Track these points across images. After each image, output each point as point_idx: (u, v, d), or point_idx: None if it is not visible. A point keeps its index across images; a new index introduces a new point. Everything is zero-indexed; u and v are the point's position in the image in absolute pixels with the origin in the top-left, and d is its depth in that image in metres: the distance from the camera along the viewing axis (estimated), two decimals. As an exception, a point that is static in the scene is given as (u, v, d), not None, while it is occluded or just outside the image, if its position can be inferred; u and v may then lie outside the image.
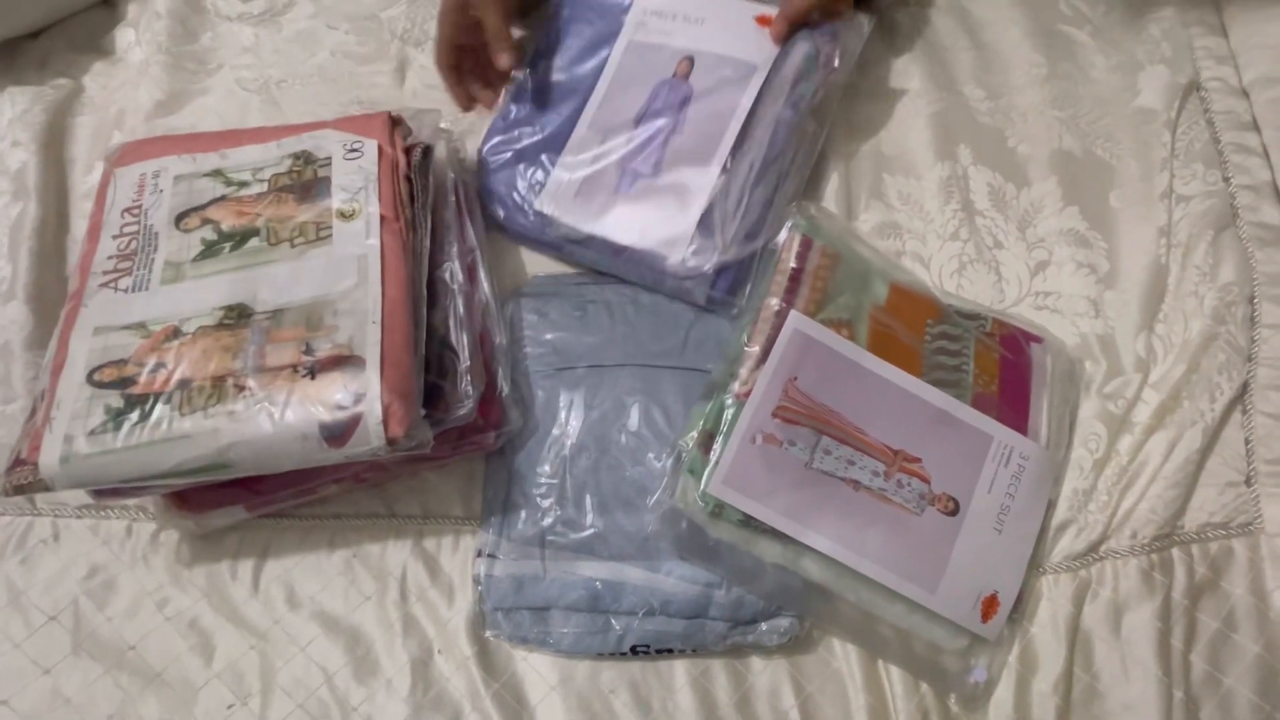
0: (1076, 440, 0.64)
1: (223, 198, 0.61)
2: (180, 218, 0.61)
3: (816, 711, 0.57)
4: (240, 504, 0.59)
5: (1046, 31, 0.81)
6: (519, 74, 0.74)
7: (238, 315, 0.55)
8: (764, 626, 0.58)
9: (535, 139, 0.72)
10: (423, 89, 0.80)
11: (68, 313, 0.57)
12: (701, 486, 0.57)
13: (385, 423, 0.51)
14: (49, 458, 0.51)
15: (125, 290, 0.57)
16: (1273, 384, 0.65)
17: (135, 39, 0.82)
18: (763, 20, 0.70)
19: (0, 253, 0.69)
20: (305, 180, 0.62)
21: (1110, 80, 0.78)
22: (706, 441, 0.58)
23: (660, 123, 0.69)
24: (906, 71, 0.79)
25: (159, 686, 0.57)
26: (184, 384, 0.53)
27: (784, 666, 0.58)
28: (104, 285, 0.58)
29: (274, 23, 0.83)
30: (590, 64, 0.73)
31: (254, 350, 0.54)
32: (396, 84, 0.80)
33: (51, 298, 0.68)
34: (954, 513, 0.59)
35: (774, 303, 0.61)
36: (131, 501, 0.61)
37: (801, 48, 0.68)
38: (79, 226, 0.72)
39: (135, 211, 0.61)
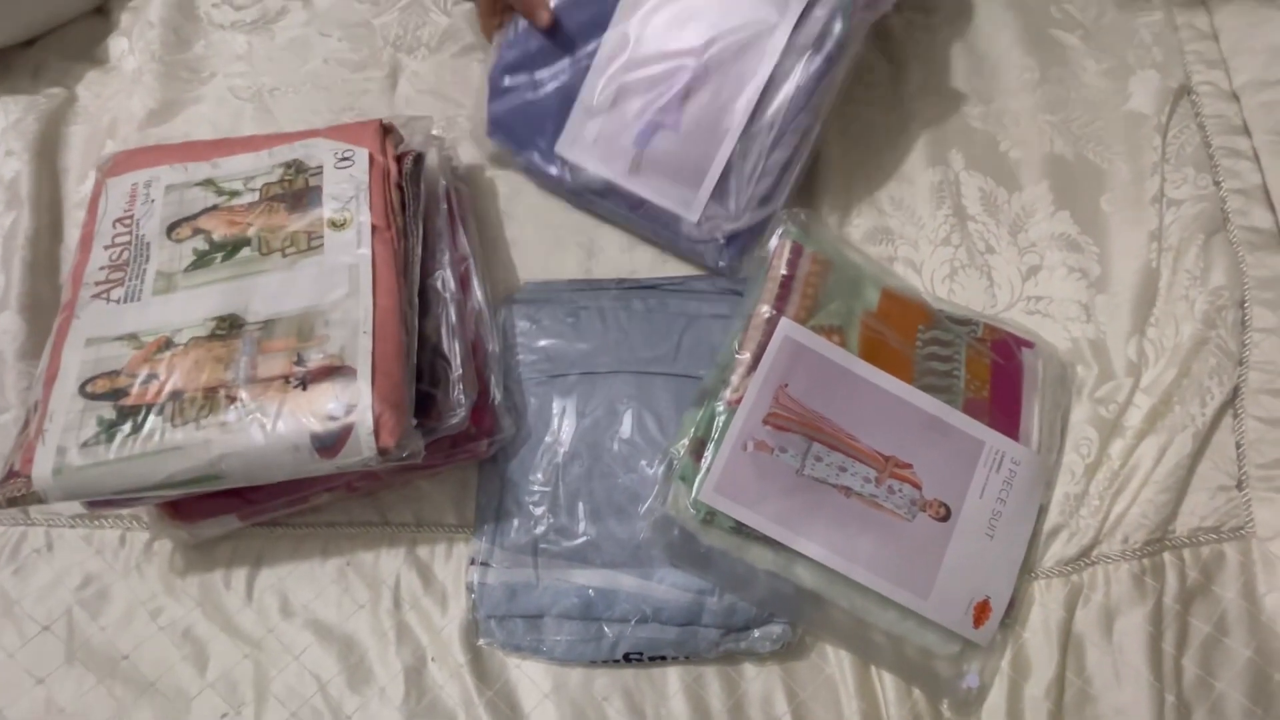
0: (1068, 445, 0.64)
1: (214, 207, 0.61)
2: (172, 228, 0.61)
3: (809, 717, 0.57)
4: (233, 513, 0.59)
5: (1037, 36, 0.81)
6: None
7: (229, 326, 0.56)
8: (756, 633, 0.58)
9: (555, 72, 0.69)
10: (415, 95, 0.80)
11: (60, 324, 0.57)
12: (693, 494, 0.57)
13: (376, 433, 0.52)
14: (42, 470, 0.51)
15: (117, 301, 0.57)
16: (1264, 388, 0.65)
17: (128, 47, 0.82)
18: None
19: (-7, 262, 0.69)
20: (297, 189, 0.62)
21: (1101, 84, 0.78)
22: (698, 449, 0.58)
23: (683, 64, 0.65)
24: (899, 76, 0.80)
25: (153, 696, 0.57)
26: (176, 395, 0.53)
27: (777, 673, 0.59)
28: (96, 296, 0.58)
29: (266, 30, 0.83)
30: None
31: (245, 361, 0.54)
32: (389, 91, 0.80)
33: (45, 307, 0.68)
34: (945, 518, 0.59)
35: (765, 310, 0.61)
36: (125, 511, 0.61)
37: None
38: (72, 236, 0.72)
39: (127, 222, 0.61)
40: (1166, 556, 0.61)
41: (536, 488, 0.61)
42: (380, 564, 0.61)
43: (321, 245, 0.59)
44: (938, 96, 0.78)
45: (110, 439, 0.52)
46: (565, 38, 0.69)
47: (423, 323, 0.60)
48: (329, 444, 0.52)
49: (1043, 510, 0.62)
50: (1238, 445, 0.65)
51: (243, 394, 0.52)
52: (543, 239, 0.73)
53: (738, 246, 0.67)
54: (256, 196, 0.62)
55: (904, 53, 0.81)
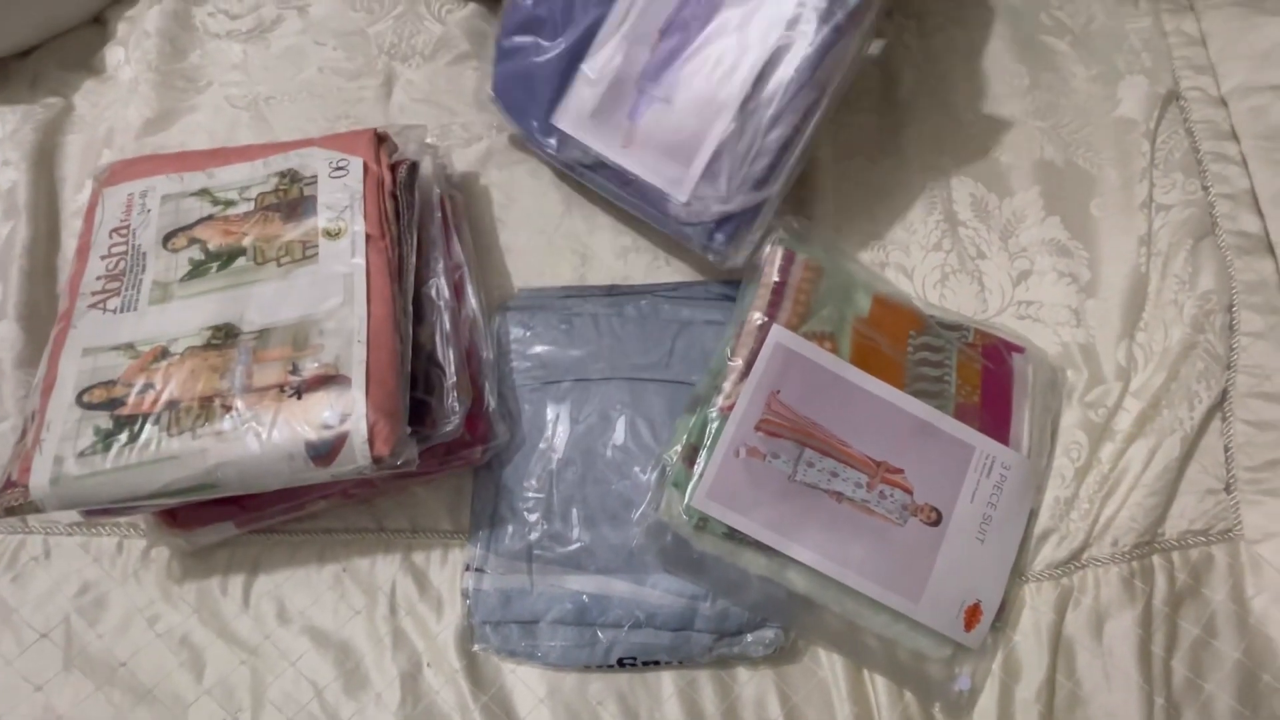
0: (1058, 449, 0.65)
1: (210, 217, 0.62)
2: (168, 238, 0.61)
3: (802, 721, 0.58)
4: (230, 520, 0.60)
5: (1028, 42, 0.81)
6: None
7: (225, 335, 0.56)
8: (749, 638, 0.59)
9: (558, 38, 0.67)
10: (410, 103, 0.80)
11: (57, 333, 0.58)
12: (686, 500, 0.57)
13: (371, 442, 0.52)
14: (39, 479, 0.52)
15: (114, 311, 0.58)
16: (1252, 391, 0.66)
17: (125, 57, 0.82)
18: None
19: (-9, 272, 0.70)
20: (291, 199, 0.62)
21: (1091, 90, 0.79)
22: (690, 455, 0.59)
23: (683, 37, 0.63)
24: (890, 82, 0.80)
25: (150, 703, 0.57)
26: (172, 405, 0.53)
27: (770, 677, 0.59)
28: (93, 306, 0.58)
29: (262, 39, 0.83)
30: None
31: (241, 370, 0.54)
32: (384, 99, 0.80)
33: (42, 316, 0.68)
34: (936, 523, 0.60)
35: (757, 316, 0.62)
36: (122, 519, 0.62)
37: None
38: (69, 245, 0.72)
39: (123, 232, 0.62)
40: (1156, 559, 0.62)
41: (531, 494, 0.62)
42: (376, 570, 0.62)
43: (316, 254, 0.59)
44: (929, 102, 0.79)
45: (107, 448, 0.52)
46: (573, 2, 0.67)
47: (417, 330, 0.61)
48: (324, 452, 0.52)
49: (1033, 514, 0.63)
50: (1226, 449, 0.65)
51: (238, 403, 0.53)
52: (537, 246, 0.73)
53: (728, 231, 0.63)
54: (251, 206, 0.62)
55: (896, 59, 0.81)
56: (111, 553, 0.62)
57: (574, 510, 0.61)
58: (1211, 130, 0.76)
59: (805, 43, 0.60)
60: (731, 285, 0.68)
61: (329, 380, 0.54)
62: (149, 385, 0.54)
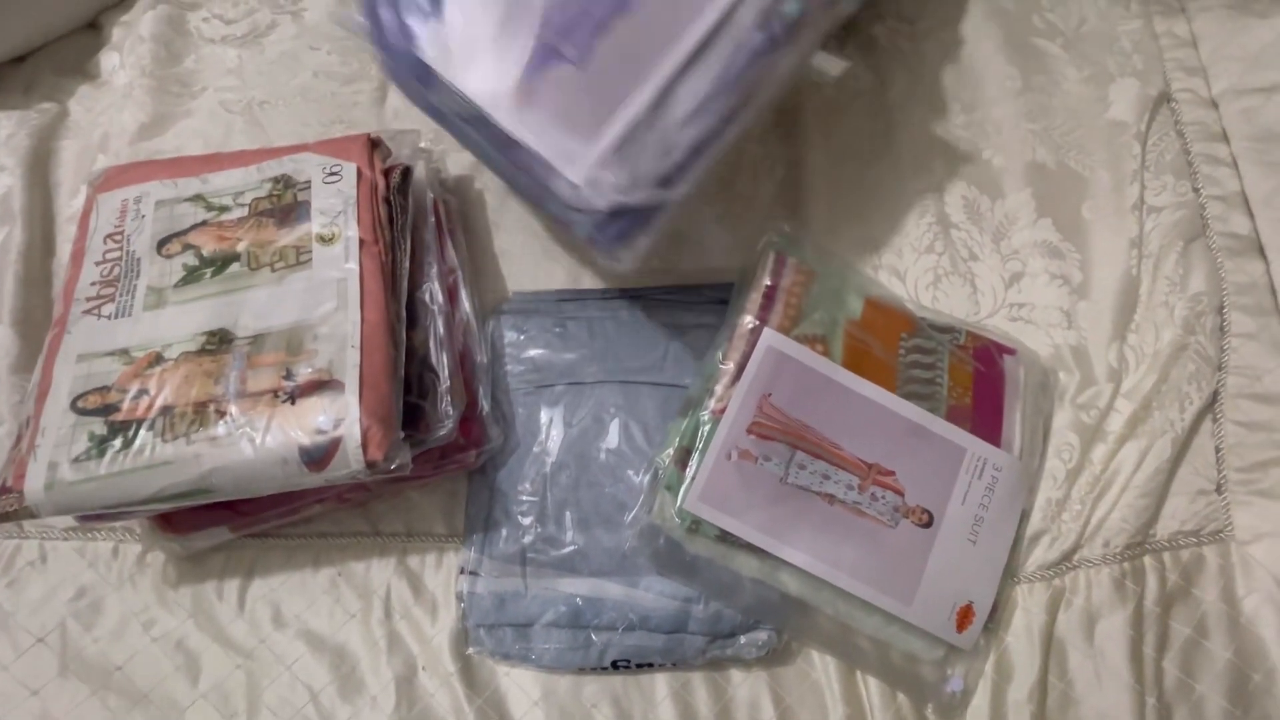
0: (1050, 450, 0.65)
1: (204, 223, 0.62)
2: (162, 243, 0.61)
3: (795, 723, 0.58)
4: (225, 525, 0.60)
5: (1019, 44, 0.81)
6: None
7: (219, 341, 0.56)
8: (742, 640, 0.59)
9: None
10: (404, 108, 0.80)
11: (51, 339, 0.58)
12: (678, 503, 0.57)
13: (364, 446, 0.52)
14: (34, 485, 0.52)
15: (108, 317, 0.58)
16: (1242, 393, 0.66)
17: (120, 62, 0.83)
18: None
19: (-14, 277, 0.70)
20: (285, 204, 0.63)
21: (1082, 92, 0.79)
22: (683, 458, 0.59)
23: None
24: (883, 85, 0.80)
25: (146, 707, 0.58)
26: (166, 410, 0.53)
27: (763, 678, 0.59)
28: (87, 312, 0.58)
29: (257, 44, 0.83)
30: None
31: (235, 376, 0.54)
32: (378, 103, 0.81)
33: (37, 322, 0.68)
34: (928, 525, 0.60)
35: (749, 320, 0.62)
36: (117, 524, 0.62)
37: None
38: (65, 250, 0.73)
39: (117, 237, 0.62)
40: (1147, 560, 0.62)
41: (525, 497, 0.62)
42: (371, 574, 0.62)
43: (310, 260, 0.60)
44: (921, 105, 0.79)
45: (101, 454, 0.52)
46: None
47: (411, 335, 0.61)
48: (317, 457, 0.52)
49: (1025, 515, 0.63)
50: (1217, 449, 0.66)
51: (232, 408, 0.53)
52: (530, 250, 0.74)
53: (620, 228, 0.54)
54: (245, 211, 0.63)
55: (888, 62, 0.82)
56: (107, 557, 0.62)
57: (568, 513, 0.61)
58: (1202, 132, 0.76)
59: (734, 44, 0.53)
60: (724, 289, 0.68)
61: (323, 385, 0.54)
62: (143, 391, 0.54)
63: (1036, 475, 0.64)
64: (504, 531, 0.62)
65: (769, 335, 0.61)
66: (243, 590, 0.61)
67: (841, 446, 0.60)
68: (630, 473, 0.62)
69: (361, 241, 0.60)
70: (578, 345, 0.67)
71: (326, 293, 0.58)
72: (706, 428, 0.59)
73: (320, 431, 0.52)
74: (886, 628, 0.58)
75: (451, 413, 0.59)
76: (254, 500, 0.58)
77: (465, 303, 0.67)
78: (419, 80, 0.56)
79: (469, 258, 0.71)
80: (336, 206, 0.62)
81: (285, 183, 0.64)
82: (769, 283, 0.64)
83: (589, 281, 0.72)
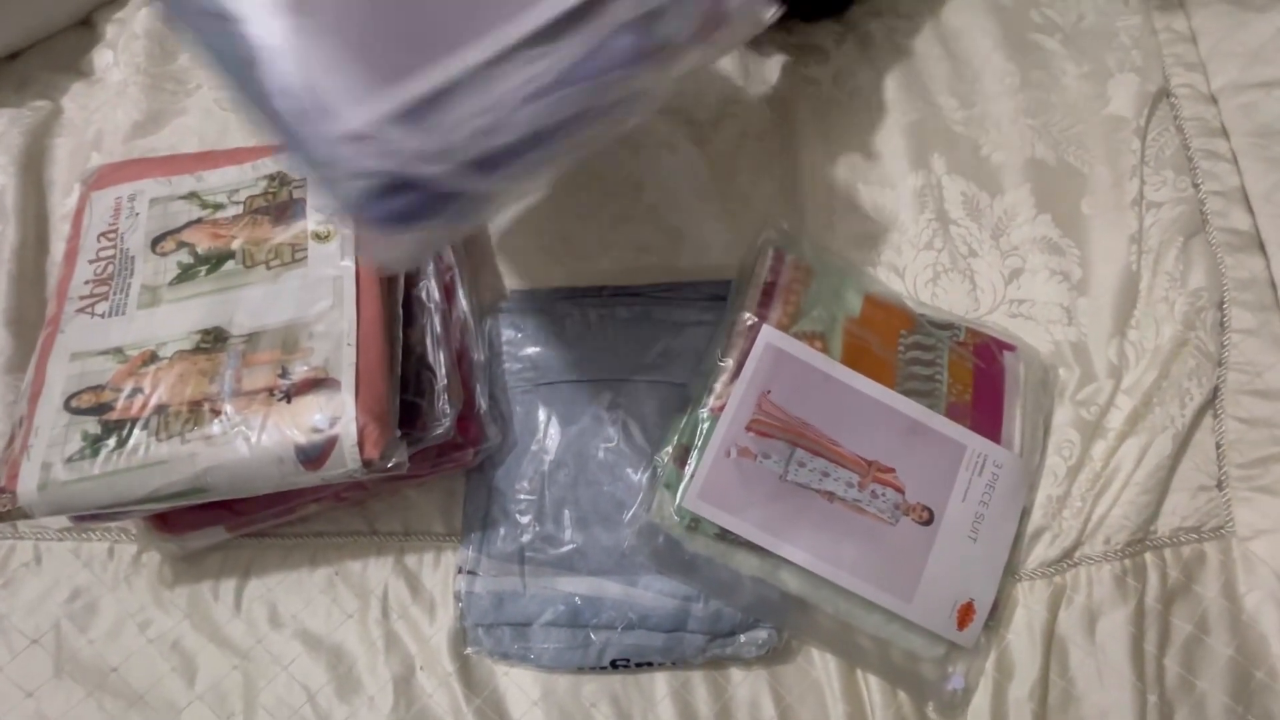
0: (1050, 447, 0.65)
1: (198, 220, 0.62)
2: (156, 241, 0.61)
3: (795, 721, 0.58)
4: (221, 524, 0.60)
5: (1018, 40, 0.81)
6: None
7: (214, 339, 0.56)
8: (742, 638, 0.59)
9: None
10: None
11: (45, 338, 0.58)
12: (677, 501, 0.57)
13: (360, 445, 0.52)
14: (27, 485, 0.51)
15: (102, 315, 0.58)
16: (1243, 388, 0.66)
17: (114, 60, 0.82)
18: None
19: (-21, 276, 0.69)
20: (280, 202, 0.62)
21: (1081, 88, 0.79)
22: (682, 456, 0.58)
23: None
24: (880, 81, 0.80)
25: (142, 709, 0.57)
26: (161, 409, 0.53)
27: (763, 677, 0.59)
28: (81, 310, 0.58)
29: (252, 41, 0.83)
30: None
31: (230, 374, 0.54)
32: (374, 101, 0.80)
33: (31, 321, 0.68)
34: (928, 522, 0.60)
35: (747, 317, 0.62)
36: (113, 524, 0.62)
37: None
38: (59, 249, 0.72)
39: (111, 236, 0.61)
40: (1148, 557, 0.62)
41: (523, 496, 0.62)
42: (368, 573, 0.62)
43: (305, 257, 0.59)
44: (919, 101, 0.79)
45: (95, 453, 0.52)
46: None
47: (407, 333, 0.61)
48: (313, 456, 0.52)
49: (1025, 512, 0.63)
50: (1218, 445, 0.65)
51: (227, 407, 0.53)
52: (528, 248, 0.73)
53: (395, 207, 0.41)
54: (240, 209, 0.62)
55: (886, 58, 0.81)
56: (102, 558, 0.62)
57: (566, 512, 0.61)
58: (1202, 127, 0.76)
59: (599, 38, 0.43)
60: (723, 286, 0.68)
61: (318, 383, 0.53)
62: (137, 390, 0.54)
63: (1037, 472, 0.64)
64: (502, 530, 0.61)
65: (768, 332, 0.61)
66: (239, 590, 0.61)
67: (841, 444, 0.60)
68: (629, 471, 0.62)
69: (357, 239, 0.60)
70: (576, 343, 0.66)
71: (322, 290, 0.58)
72: (705, 425, 0.59)
73: (316, 430, 0.52)
74: (887, 626, 0.58)
75: (449, 411, 0.59)
76: (250, 499, 0.57)
77: (462, 300, 0.66)
78: None
79: (466, 255, 0.70)
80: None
81: (280, 180, 0.63)
82: (768, 279, 0.63)
83: (587, 279, 0.72)
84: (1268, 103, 0.74)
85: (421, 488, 0.64)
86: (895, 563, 0.58)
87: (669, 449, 0.59)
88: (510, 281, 0.72)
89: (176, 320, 0.57)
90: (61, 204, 0.75)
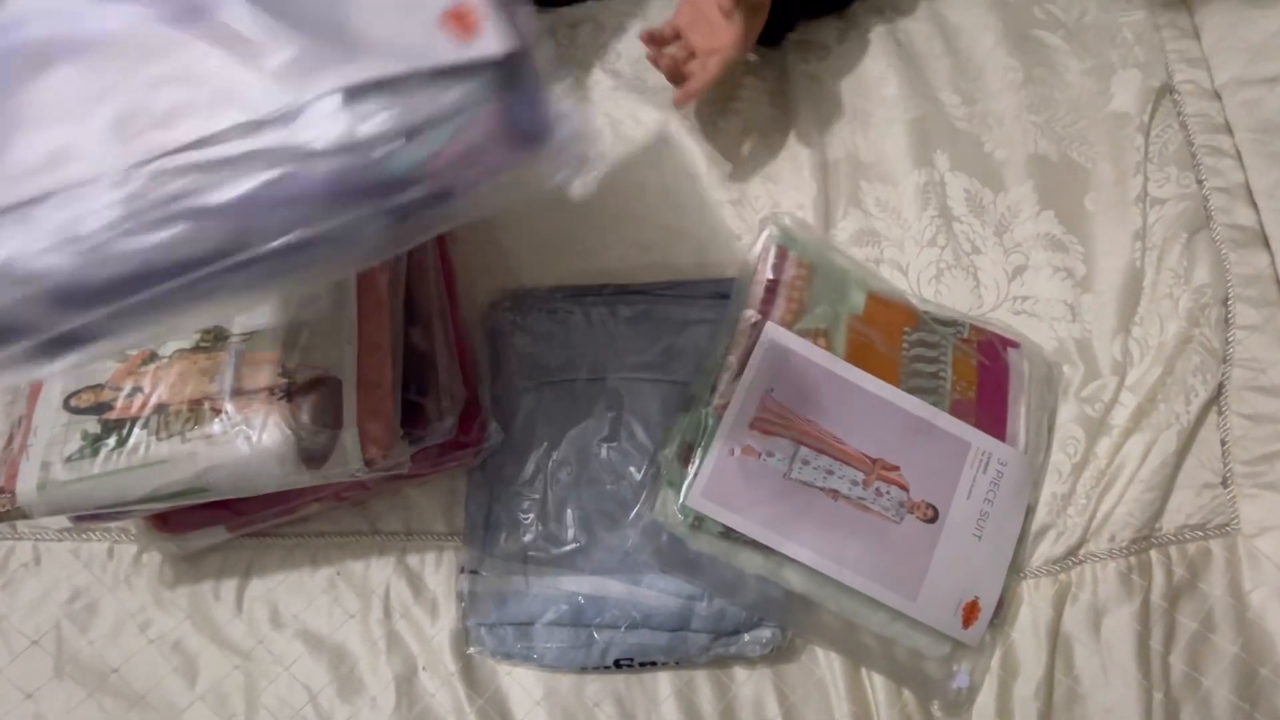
0: (1055, 444, 0.65)
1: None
2: (156, 240, 0.60)
3: (800, 720, 0.58)
4: (222, 524, 0.59)
5: (1020, 36, 0.81)
6: None
7: (214, 337, 0.55)
8: (746, 637, 0.58)
9: None
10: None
11: (44, 337, 0.57)
12: (681, 499, 0.57)
13: (362, 444, 0.52)
14: (26, 485, 0.51)
15: (101, 314, 0.57)
16: (1248, 385, 0.66)
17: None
18: (458, 19, 0.36)
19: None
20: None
21: (1084, 84, 0.78)
22: (685, 454, 0.58)
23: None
24: (883, 78, 0.80)
25: (143, 709, 0.57)
26: (161, 408, 0.53)
27: (767, 676, 0.59)
28: (80, 309, 0.58)
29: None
30: None
31: (231, 373, 0.53)
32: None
33: (30, 320, 0.68)
34: (933, 520, 0.59)
35: (750, 315, 0.62)
36: (113, 524, 0.61)
37: (377, 121, 0.34)
38: (57, 248, 0.72)
39: (111, 234, 0.61)
40: (1153, 554, 0.61)
41: (525, 495, 0.61)
42: (370, 573, 0.61)
43: (306, 255, 0.59)
44: (922, 98, 0.78)
45: (95, 453, 0.51)
46: None
47: (410, 331, 0.60)
48: (315, 455, 0.52)
49: (1030, 510, 0.62)
50: (1223, 442, 0.65)
51: (228, 406, 0.52)
52: (532, 245, 0.73)
53: None
54: (240, 207, 0.62)
55: (888, 55, 0.81)
56: (102, 558, 0.61)
57: (569, 511, 0.61)
58: (1205, 124, 0.76)
59: (261, 175, 0.33)
60: (726, 284, 0.68)
61: (320, 382, 0.53)
62: (137, 389, 0.53)
63: (1041, 470, 0.64)
64: (504, 529, 0.61)
65: (771, 330, 0.61)
66: (240, 590, 0.61)
67: (845, 441, 0.60)
68: (632, 469, 0.61)
69: (358, 237, 0.59)
70: (578, 342, 0.66)
71: (323, 288, 0.57)
72: (709, 424, 0.59)
73: (318, 429, 0.52)
74: (891, 624, 0.58)
75: (451, 409, 0.58)
76: (251, 499, 0.57)
77: (465, 299, 0.66)
78: None
79: (469, 254, 0.70)
80: (333, 201, 0.61)
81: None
82: (770, 277, 0.63)
83: (589, 278, 0.72)
84: (1271, 98, 0.73)
85: (423, 487, 0.64)
86: (900, 561, 0.58)
87: (672, 447, 0.59)
88: (512, 280, 0.72)
89: (176, 319, 0.56)
90: (60, 202, 0.74)
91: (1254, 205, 0.72)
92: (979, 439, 0.62)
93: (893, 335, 0.64)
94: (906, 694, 0.58)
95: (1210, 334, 0.67)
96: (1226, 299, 0.69)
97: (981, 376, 0.64)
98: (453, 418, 0.58)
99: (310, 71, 0.34)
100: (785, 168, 0.75)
